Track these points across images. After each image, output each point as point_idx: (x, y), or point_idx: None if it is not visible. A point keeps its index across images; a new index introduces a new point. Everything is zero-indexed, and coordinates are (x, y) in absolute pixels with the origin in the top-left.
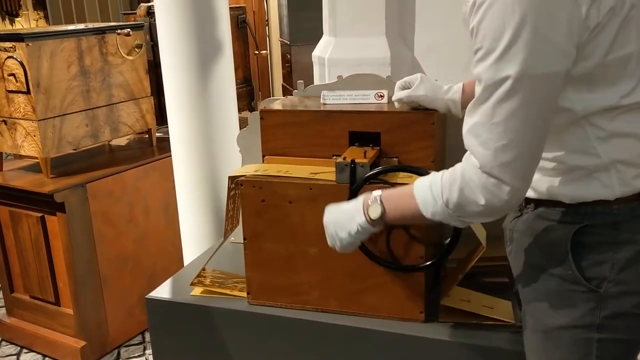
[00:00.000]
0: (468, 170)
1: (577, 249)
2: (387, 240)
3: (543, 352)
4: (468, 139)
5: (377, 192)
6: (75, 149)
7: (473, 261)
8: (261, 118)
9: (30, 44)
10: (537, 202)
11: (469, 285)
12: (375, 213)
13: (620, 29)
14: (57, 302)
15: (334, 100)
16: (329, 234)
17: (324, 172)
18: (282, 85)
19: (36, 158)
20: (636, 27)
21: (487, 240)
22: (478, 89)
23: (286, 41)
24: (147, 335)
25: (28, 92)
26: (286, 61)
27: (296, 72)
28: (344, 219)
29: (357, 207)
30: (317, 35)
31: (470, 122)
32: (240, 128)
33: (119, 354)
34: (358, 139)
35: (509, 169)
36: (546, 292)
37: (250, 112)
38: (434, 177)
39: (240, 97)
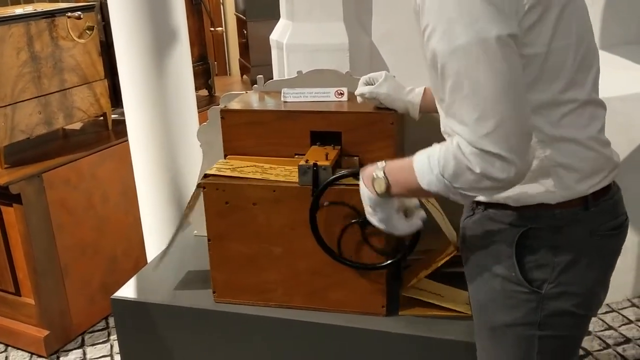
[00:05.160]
0: (461, 140)
1: (520, 251)
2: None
3: (491, 347)
4: (448, 120)
5: (380, 165)
6: (29, 137)
7: (439, 262)
8: (222, 117)
9: None
10: (487, 204)
11: (429, 275)
12: (380, 187)
13: (560, 20)
14: (18, 293)
15: (294, 98)
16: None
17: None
18: (239, 60)
19: None
20: (576, 21)
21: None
22: (437, 71)
23: (242, 16)
24: (111, 321)
25: None
26: (242, 37)
27: (253, 47)
28: (364, 203)
29: (361, 187)
30: (273, 10)
31: (445, 104)
32: (198, 107)
33: (83, 340)
34: (319, 138)
35: (492, 140)
36: (492, 292)
37: (207, 90)
38: (433, 148)
39: (196, 75)
